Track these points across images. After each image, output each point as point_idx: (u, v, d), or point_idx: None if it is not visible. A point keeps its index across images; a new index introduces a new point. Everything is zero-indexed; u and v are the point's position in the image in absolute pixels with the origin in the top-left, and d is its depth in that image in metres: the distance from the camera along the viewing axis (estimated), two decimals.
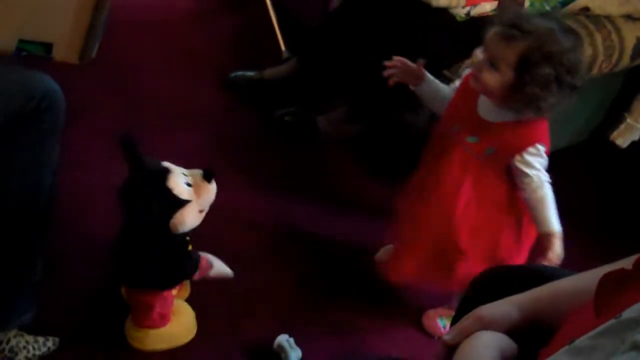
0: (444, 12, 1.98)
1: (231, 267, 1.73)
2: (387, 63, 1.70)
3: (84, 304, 1.75)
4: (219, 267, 1.69)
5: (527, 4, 1.99)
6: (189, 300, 1.78)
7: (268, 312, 1.85)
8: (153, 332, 1.65)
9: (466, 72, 1.65)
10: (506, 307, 1.00)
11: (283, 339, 1.73)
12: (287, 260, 1.99)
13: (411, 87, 1.69)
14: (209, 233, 1.61)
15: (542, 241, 1.54)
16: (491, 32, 1.47)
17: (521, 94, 1.45)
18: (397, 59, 1.69)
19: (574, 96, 1.47)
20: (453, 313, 1.70)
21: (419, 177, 1.72)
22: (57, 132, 1.47)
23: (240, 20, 2.80)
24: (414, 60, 1.71)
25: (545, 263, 1.50)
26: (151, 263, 1.54)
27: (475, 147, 1.57)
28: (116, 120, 2.27)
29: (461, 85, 1.62)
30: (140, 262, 1.55)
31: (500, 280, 1.17)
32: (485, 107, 1.56)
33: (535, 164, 1.53)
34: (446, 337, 0.97)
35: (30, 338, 1.59)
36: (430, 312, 1.88)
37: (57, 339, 1.64)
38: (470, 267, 1.58)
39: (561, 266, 1.50)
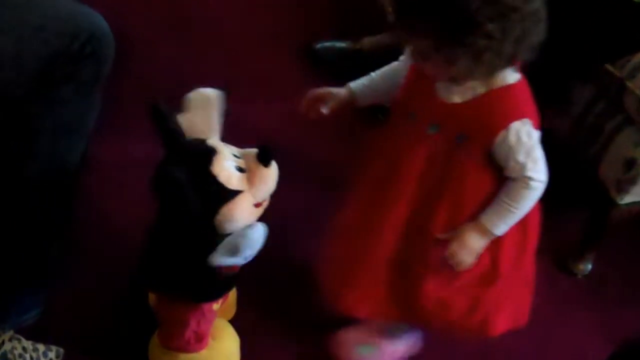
0: None
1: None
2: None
3: (101, 309, 1.60)
4: None
5: None
6: (233, 322, 1.60)
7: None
8: (184, 357, 1.48)
9: None
10: None
11: None
12: None
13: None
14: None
15: (464, 228, 1.35)
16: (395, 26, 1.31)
17: (469, 61, 1.22)
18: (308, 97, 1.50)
19: (542, 18, 1.21)
20: (376, 339, 1.56)
21: (366, 182, 1.50)
22: (98, 86, 1.37)
23: None
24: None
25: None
26: (188, 266, 1.38)
27: (439, 138, 1.36)
28: (173, 77, 2.09)
29: (411, 67, 1.41)
30: (175, 263, 1.38)
31: None
32: (445, 87, 1.34)
33: (522, 148, 1.29)
34: None
35: (28, 344, 1.47)
36: (342, 336, 1.58)
37: (61, 350, 1.49)
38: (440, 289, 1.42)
39: None
